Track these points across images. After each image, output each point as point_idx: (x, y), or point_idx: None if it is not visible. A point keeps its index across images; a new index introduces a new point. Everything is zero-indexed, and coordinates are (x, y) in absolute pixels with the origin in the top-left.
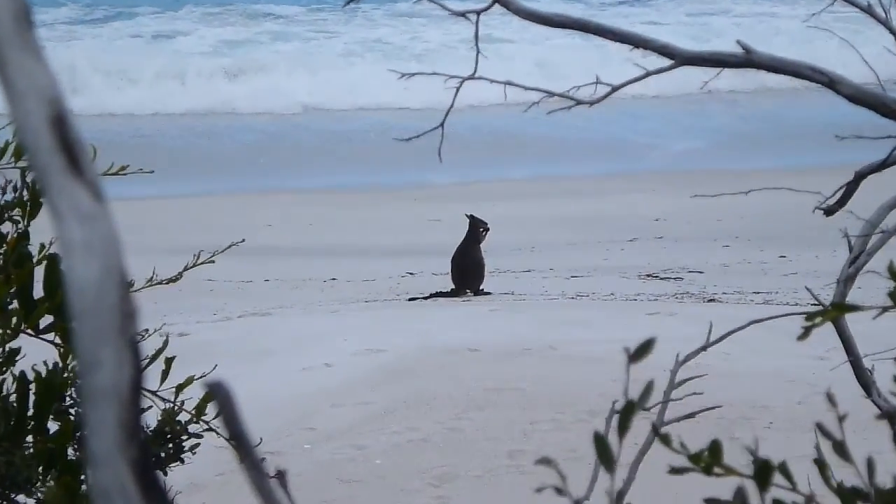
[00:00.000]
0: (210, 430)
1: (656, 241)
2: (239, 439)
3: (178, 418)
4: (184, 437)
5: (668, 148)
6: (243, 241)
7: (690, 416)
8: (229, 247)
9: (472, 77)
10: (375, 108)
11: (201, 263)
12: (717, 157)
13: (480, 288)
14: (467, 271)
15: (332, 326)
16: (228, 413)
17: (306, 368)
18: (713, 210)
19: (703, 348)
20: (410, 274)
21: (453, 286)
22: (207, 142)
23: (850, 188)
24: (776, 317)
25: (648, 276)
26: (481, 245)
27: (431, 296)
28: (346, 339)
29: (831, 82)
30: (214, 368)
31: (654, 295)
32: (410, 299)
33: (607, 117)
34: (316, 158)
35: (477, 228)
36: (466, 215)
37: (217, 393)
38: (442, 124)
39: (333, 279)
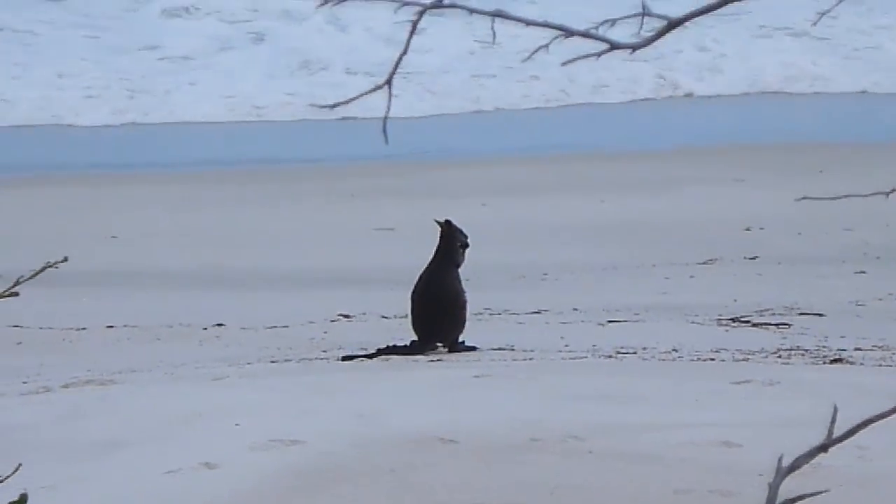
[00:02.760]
0: None
1: (747, 265)
2: None
3: None
4: None
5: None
6: (65, 260)
7: None
8: (44, 269)
9: (439, 4)
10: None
11: None
12: (843, 124)
13: (460, 340)
14: (438, 312)
15: (216, 403)
16: None
17: (174, 471)
18: (839, 213)
19: (824, 448)
20: (345, 317)
21: (416, 337)
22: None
23: None
24: None
25: (735, 320)
26: (460, 269)
27: (379, 352)
28: (238, 424)
29: None
30: (17, 470)
31: (745, 352)
32: (345, 358)
33: (652, 58)
34: (192, 127)
35: (454, 243)
36: (437, 221)
37: None
38: (389, 81)
39: (220, 325)
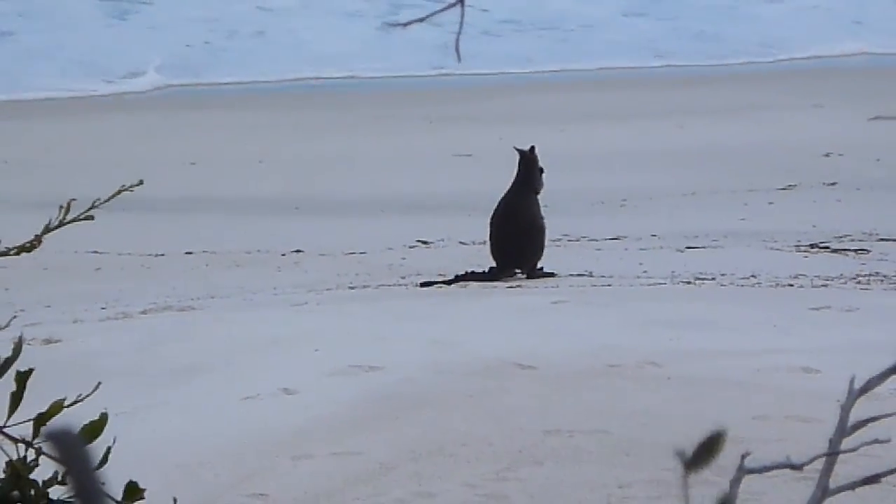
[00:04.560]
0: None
1: (826, 191)
2: None
3: (32, 475)
4: None
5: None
6: (140, 183)
7: (872, 479)
8: (119, 192)
9: None
10: None
11: (72, 221)
12: None
13: (538, 266)
14: (517, 239)
15: (295, 329)
16: (78, 479)
17: (252, 397)
18: None
19: (895, 369)
20: (423, 243)
21: (494, 263)
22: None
23: None
24: None
25: (813, 246)
26: (539, 196)
27: (457, 279)
28: (317, 350)
29: None
30: (96, 388)
31: (823, 278)
32: (423, 284)
33: None
34: (262, 42)
35: (533, 168)
36: (516, 148)
37: (61, 447)
38: None
39: (298, 251)
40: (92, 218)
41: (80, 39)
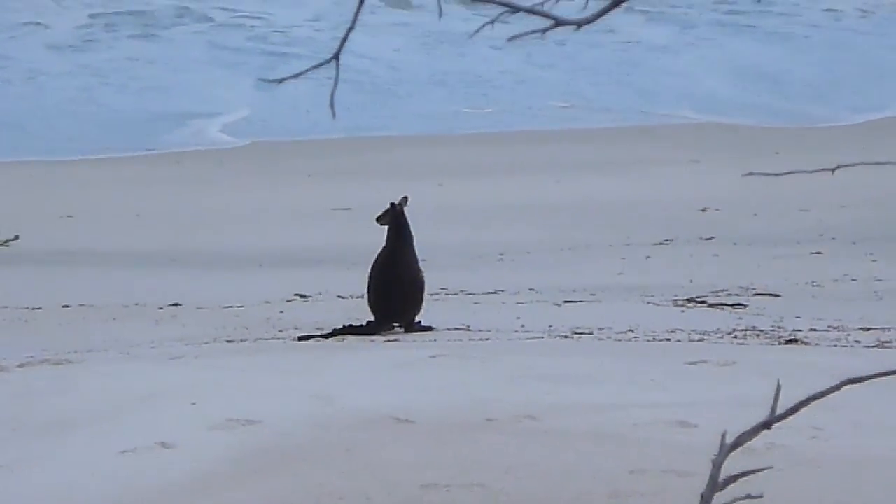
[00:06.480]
0: None
1: (703, 245)
2: None
3: None
4: None
5: (707, 90)
6: (16, 238)
7: None
8: None
9: None
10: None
11: None
12: (792, 103)
13: (416, 320)
14: (396, 292)
15: (172, 382)
16: None
17: (129, 451)
18: (794, 194)
19: (766, 425)
20: (301, 297)
21: (372, 317)
22: None
23: None
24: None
25: (690, 301)
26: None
27: (335, 332)
28: (194, 404)
29: None
30: None
31: (700, 332)
32: (301, 338)
33: (596, 43)
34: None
35: (405, 220)
36: (392, 203)
37: None
38: (337, 55)
39: (176, 304)
40: None
41: None
